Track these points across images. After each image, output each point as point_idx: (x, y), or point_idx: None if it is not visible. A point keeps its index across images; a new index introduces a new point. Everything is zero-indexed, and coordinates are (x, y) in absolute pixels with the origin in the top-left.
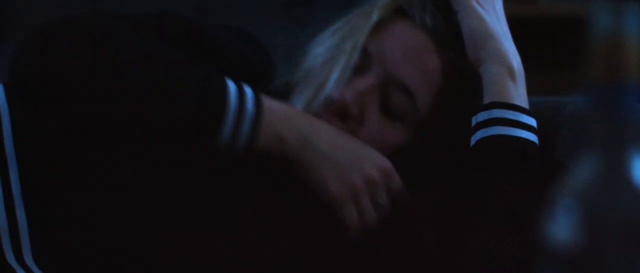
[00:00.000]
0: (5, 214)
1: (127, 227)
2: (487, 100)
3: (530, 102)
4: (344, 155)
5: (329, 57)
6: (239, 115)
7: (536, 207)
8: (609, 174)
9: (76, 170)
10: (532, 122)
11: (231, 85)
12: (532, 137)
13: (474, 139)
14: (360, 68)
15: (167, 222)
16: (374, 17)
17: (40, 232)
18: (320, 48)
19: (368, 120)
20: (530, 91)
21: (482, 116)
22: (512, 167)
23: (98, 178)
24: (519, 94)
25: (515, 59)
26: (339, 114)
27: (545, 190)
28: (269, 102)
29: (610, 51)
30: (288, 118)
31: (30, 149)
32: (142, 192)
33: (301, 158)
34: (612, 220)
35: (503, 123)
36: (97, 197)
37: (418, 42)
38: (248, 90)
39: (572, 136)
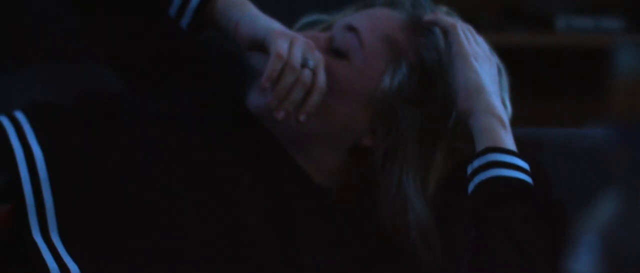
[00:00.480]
0: (32, 191)
1: (153, 215)
2: (480, 147)
3: (549, 134)
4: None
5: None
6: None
7: (544, 243)
8: (630, 210)
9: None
10: (525, 165)
11: None
12: (528, 179)
13: (472, 185)
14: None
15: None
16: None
17: (67, 210)
18: None
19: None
20: (547, 121)
21: (477, 162)
22: (515, 205)
23: (121, 166)
24: (511, 142)
25: (504, 115)
26: None
27: (549, 227)
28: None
29: (633, 88)
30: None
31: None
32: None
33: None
34: (634, 256)
35: (499, 165)
36: (122, 183)
37: (382, 13)
38: None
39: (591, 169)
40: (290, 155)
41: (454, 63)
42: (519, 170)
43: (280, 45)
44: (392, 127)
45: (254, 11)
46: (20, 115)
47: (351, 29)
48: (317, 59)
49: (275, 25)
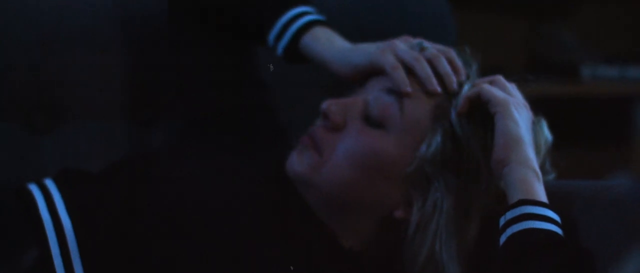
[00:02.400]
0: (63, 265)
1: None
2: (513, 198)
3: (576, 186)
4: None
5: None
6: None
7: None
8: None
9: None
10: (557, 217)
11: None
12: (560, 231)
13: (504, 237)
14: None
15: None
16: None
17: None
18: None
19: (349, 126)
20: (573, 170)
21: (510, 214)
22: (546, 257)
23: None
24: (543, 194)
25: (537, 167)
26: (322, 122)
27: None
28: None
29: None
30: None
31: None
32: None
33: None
34: None
35: (532, 218)
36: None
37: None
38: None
39: (617, 221)
40: (321, 219)
41: (494, 113)
42: (551, 222)
43: (388, 59)
44: (427, 197)
45: (339, 44)
46: (50, 184)
47: (391, 93)
48: (419, 41)
49: (370, 48)
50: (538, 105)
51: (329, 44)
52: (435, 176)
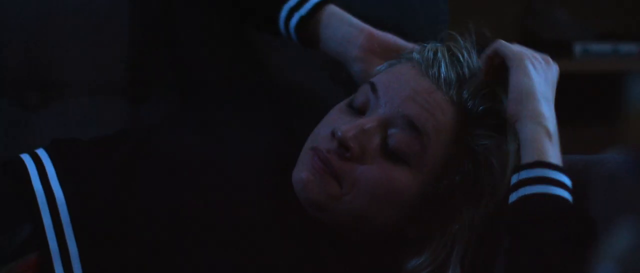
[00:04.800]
0: (56, 238)
1: (177, 259)
2: (527, 157)
3: (567, 160)
4: None
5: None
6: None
7: (576, 267)
8: None
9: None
10: (569, 182)
11: None
12: (569, 197)
13: (515, 195)
14: (366, 104)
15: None
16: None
17: (91, 255)
18: None
19: (369, 159)
20: (565, 146)
21: (525, 174)
22: (557, 227)
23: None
24: (557, 155)
25: (552, 124)
26: (338, 149)
27: (582, 249)
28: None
29: None
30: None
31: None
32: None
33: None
34: None
35: (548, 182)
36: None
37: (424, 85)
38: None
39: (609, 196)
40: (325, 226)
41: (509, 66)
42: (564, 188)
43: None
44: (446, 230)
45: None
46: (42, 154)
47: (415, 129)
48: None
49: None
50: None
51: (334, 30)
52: (457, 209)
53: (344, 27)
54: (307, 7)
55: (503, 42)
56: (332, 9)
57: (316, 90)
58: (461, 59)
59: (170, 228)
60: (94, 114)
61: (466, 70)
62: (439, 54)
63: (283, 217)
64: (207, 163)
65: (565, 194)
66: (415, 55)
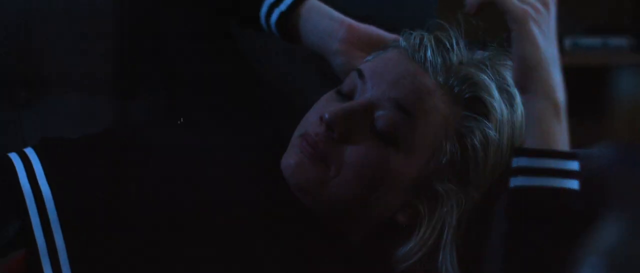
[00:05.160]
0: (43, 235)
1: (165, 254)
2: (529, 138)
3: None
4: None
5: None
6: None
7: (566, 265)
8: (632, 232)
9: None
10: (575, 166)
11: None
12: (574, 185)
13: (513, 183)
14: (354, 90)
15: None
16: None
17: (78, 252)
18: None
19: (356, 140)
20: None
21: (524, 162)
22: (558, 221)
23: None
24: (563, 132)
25: (560, 92)
26: (325, 132)
27: (578, 243)
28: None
29: (634, 112)
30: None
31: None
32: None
33: None
34: None
35: (551, 174)
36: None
37: (410, 69)
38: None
39: (598, 190)
40: (315, 216)
41: (511, 28)
42: (570, 176)
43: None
44: (434, 213)
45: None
46: (30, 152)
47: (403, 110)
48: None
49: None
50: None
51: (314, 25)
52: (444, 191)
53: (324, 20)
54: (286, 2)
55: None
56: (312, 2)
57: (302, 83)
58: (448, 45)
59: (158, 225)
60: (83, 110)
61: (454, 57)
62: (425, 40)
63: (274, 212)
64: (195, 160)
65: (571, 184)
66: (402, 42)
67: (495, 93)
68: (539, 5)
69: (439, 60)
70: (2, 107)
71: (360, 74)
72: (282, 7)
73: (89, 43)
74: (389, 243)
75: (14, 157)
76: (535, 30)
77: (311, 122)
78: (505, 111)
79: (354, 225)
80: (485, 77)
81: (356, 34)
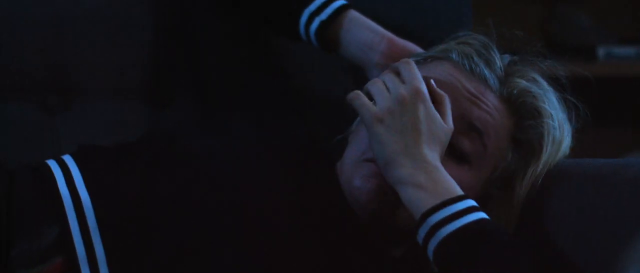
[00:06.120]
0: (83, 242)
1: (202, 259)
2: (417, 217)
3: (591, 164)
4: None
5: None
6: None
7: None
8: None
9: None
10: (472, 202)
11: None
12: (483, 214)
13: (429, 252)
14: None
15: None
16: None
17: (118, 258)
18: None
19: None
20: (592, 150)
21: (422, 231)
22: (480, 249)
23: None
24: (439, 192)
25: (420, 173)
26: None
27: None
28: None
29: None
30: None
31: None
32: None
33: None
34: None
35: (443, 223)
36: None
37: (476, 86)
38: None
39: (636, 200)
40: (362, 225)
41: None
42: (474, 210)
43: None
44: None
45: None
46: (68, 160)
47: (478, 131)
48: None
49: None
50: (557, 87)
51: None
52: (495, 196)
53: (365, 32)
54: (327, 11)
55: (362, 97)
56: (353, 14)
57: (336, 93)
58: (494, 57)
59: (194, 231)
60: (116, 117)
61: (501, 66)
62: (477, 55)
63: (308, 219)
64: (230, 167)
65: (481, 215)
66: (454, 56)
67: (547, 100)
68: (392, 106)
69: (495, 73)
70: (36, 113)
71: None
72: (323, 16)
73: (124, 51)
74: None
75: (52, 163)
76: (380, 129)
77: None
78: (558, 112)
79: (404, 238)
80: (535, 86)
81: (396, 48)
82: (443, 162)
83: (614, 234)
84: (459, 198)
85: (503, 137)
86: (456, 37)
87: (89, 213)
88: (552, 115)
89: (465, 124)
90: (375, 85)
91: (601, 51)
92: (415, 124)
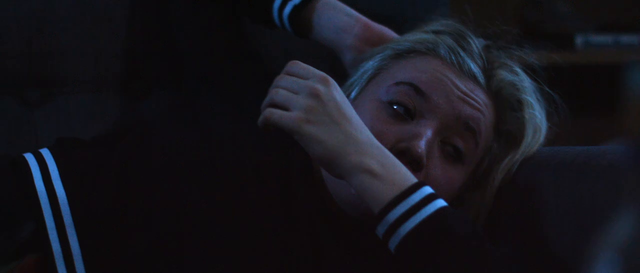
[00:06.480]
0: (58, 239)
1: (180, 254)
2: (375, 211)
3: (570, 151)
4: None
5: (374, 107)
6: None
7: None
8: None
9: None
10: (424, 192)
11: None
12: (436, 206)
13: (392, 247)
14: (411, 107)
15: None
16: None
17: (93, 254)
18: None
19: (431, 167)
20: (568, 138)
21: (381, 229)
22: (441, 248)
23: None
24: (389, 186)
25: (369, 158)
26: (412, 166)
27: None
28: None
29: None
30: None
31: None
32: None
33: None
34: None
35: (402, 220)
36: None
37: (466, 83)
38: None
39: (611, 186)
40: (335, 210)
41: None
42: (422, 205)
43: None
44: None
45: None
46: (46, 153)
47: (471, 130)
48: None
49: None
50: (532, 75)
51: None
52: (481, 183)
53: (340, 15)
54: None
55: (274, 111)
56: None
57: None
58: (476, 48)
59: (171, 226)
60: (95, 110)
61: (483, 56)
62: (462, 50)
63: (288, 212)
64: (206, 159)
65: (429, 210)
66: (442, 52)
67: (527, 90)
68: (309, 102)
69: (480, 68)
70: (15, 107)
71: (418, 90)
72: (296, 0)
73: (101, 43)
74: None
75: (29, 157)
76: (311, 129)
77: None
78: (536, 102)
79: None
80: (517, 78)
81: (371, 32)
82: (440, 162)
83: (589, 221)
84: (415, 187)
85: (490, 131)
86: (430, 24)
87: (64, 208)
88: (532, 105)
89: (460, 125)
90: (278, 95)
91: (579, 39)
92: (339, 109)
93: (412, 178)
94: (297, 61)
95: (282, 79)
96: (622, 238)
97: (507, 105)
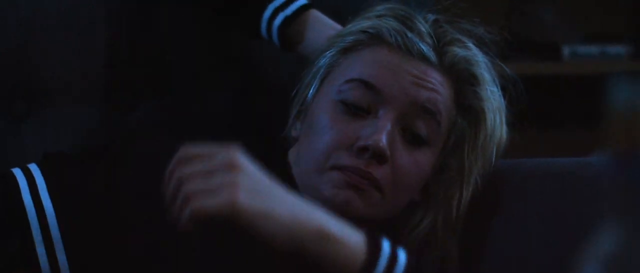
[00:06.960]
0: (46, 254)
1: (167, 267)
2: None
3: (556, 163)
4: None
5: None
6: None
7: None
8: (631, 241)
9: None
10: (387, 246)
11: None
12: (404, 256)
13: None
14: (365, 104)
15: None
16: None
17: (81, 269)
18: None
19: (397, 156)
20: (554, 149)
21: None
22: None
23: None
24: (354, 246)
25: (321, 218)
26: (374, 159)
27: None
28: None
29: (629, 122)
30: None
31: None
32: None
33: None
34: None
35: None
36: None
37: (417, 65)
38: None
39: (596, 198)
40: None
41: None
42: (399, 253)
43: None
44: (445, 189)
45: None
46: (34, 168)
47: (429, 112)
48: None
49: None
50: (521, 84)
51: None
52: (452, 165)
53: (329, 31)
54: (292, 7)
55: (201, 200)
56: (317, 13)
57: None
58: (420, 24)
59: (159, 238)
60: (82, 121)
61: (431, 34)
62: (409, 31)
63: None
64: None
65: (403, 257)
66: (388, 37)
67: (481, 65)
68: (232, 177)
69: (430, 46)
70: (1, 120)
71: (369, 86)
72: (288, 12)
73: (87, 55)
74: (402, 222)
75: (17, 172)
76: (251, 205)
77: (340, 150)
78: (491, 78)
79: (382, 216)
80: (469, 53)
81: None
82: (404, 149)
83: (573, 234)
84: (375, 247)
85: (450, 106)
86: (371, 10)
87: (52, 223)
88: (487, 80)
89: (418, 109)
90: (192, 183)
91: (566, 49)
92: (261, 177)
93: (362, 235)
94: (187, 145)
95: (184, 167)
96: (606, 250)
97: (463, 80)
